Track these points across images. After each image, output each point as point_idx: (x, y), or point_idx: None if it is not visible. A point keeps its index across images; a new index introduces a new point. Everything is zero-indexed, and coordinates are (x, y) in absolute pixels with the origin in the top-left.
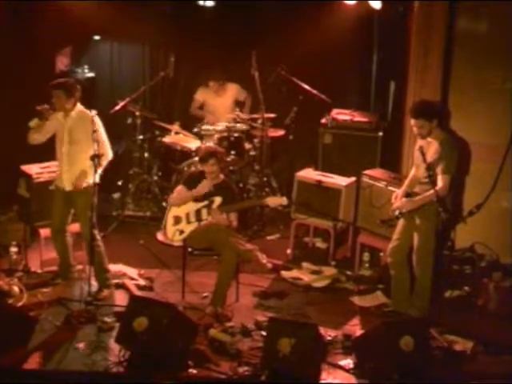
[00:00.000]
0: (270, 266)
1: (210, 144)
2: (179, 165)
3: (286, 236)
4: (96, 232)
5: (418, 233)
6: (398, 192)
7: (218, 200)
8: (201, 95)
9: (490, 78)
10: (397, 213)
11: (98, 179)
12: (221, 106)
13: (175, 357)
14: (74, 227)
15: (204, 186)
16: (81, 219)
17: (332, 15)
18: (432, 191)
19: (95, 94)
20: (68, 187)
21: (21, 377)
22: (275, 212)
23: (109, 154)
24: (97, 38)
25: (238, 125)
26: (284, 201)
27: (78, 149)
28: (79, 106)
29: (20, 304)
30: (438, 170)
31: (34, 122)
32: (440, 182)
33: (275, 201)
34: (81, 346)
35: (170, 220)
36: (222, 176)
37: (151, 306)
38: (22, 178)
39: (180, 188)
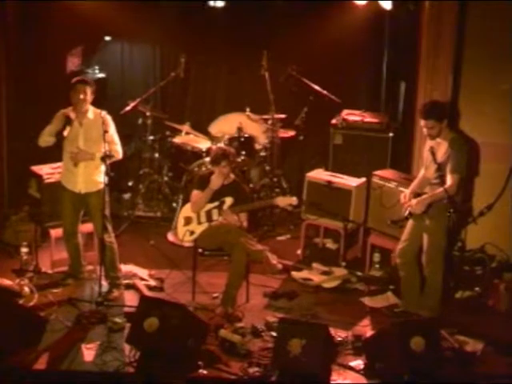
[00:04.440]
0: (280, 266)
1: (221, 145)
2: (190, 165)
3: (297, 236)
4: (111, 229)
5: (427, 233)
6: (406, 192)
7: (228, 201)
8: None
9: (500, 79)
10: (406, 213)
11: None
12: None
13: (185, 357)
14: (86, 227)
15: (216, 179)
16: (94, 217)
17: (342, 16)
18: (441, 189)
19: (106, 94)
20: (84, 189)
21: (31, 377)
22: (285, 212)
23: (119, 154)
24: (108, 38)
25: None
26: (294, 201)
27: (94, 149)
28: (94, 108)
29: (31, 304)
30: (448, 168)
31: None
32: (449, 180)
33: (285, 201)
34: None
35: (180, 221)
36: (232, 176)
37: (162, 306)
38: (33, 178)
39: (195, 192)
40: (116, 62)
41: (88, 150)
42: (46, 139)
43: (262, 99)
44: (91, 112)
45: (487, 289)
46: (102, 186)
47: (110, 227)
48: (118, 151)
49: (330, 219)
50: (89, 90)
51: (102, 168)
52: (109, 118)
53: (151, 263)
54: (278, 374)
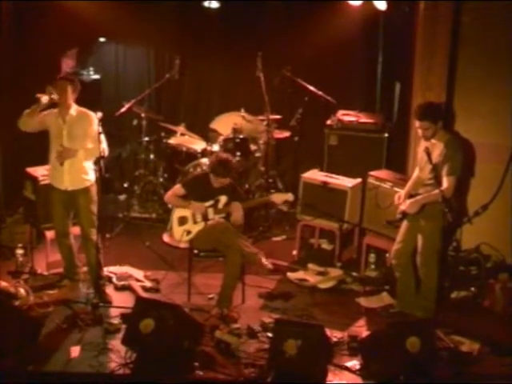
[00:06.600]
0: (270, 266)
1: (222, 153)
2: (185, 166)
3: (292, 237)
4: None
5: (422, 234)
6: (401, 193)
7: (223, 199)
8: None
9: (495, 79)
10: (399, 212)
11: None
12: None
13: (181, 358)
14: (77, 230)
15: (198, 208)
16: (82, 216)
17: (337, 16)
18: (437, 191)
19: (101, 96)
20: (70, 187)
21: (27, 378)
22: (281, 213)
23: (105, 151)
24: (102, 39)
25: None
26: (290, 196)
27: (78, 145)
28: (77, 106)
29: (26, 306)
30: (444, 171)
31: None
32: (445, 183)
33: (281, 197)
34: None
35: (175, 221)
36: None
37: (157, 307)
38: (28, 180)
39: (178, 187)
40: (111, 64)
41: (72, 147)
42: (25, 120)
43: (256, 100)
44: (74, 109)
45: (482, 289)
46: (88, 184)
47: (96, 226)
48: (105, 149)
49: (326, 220)
50: (69, 87)
51: (88, 165)
52: (93, 116)
53: (147, 264)
54: (273, 374)
